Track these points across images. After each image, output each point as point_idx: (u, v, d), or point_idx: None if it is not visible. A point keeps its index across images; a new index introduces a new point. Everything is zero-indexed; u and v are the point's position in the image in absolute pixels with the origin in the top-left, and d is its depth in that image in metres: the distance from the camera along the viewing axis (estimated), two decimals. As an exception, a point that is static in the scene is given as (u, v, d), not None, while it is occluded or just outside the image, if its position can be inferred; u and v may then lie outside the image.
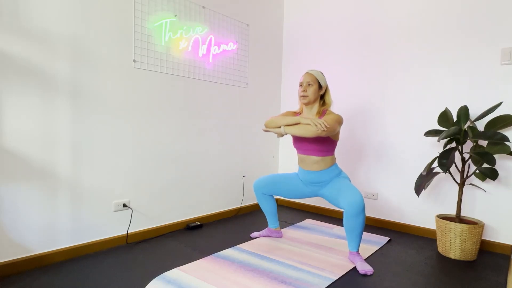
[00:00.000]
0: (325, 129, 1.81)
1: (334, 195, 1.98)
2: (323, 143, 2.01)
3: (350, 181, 2.05)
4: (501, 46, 2.16)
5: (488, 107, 2.20)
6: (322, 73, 2.07)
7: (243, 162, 3.06)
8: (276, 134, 2.04)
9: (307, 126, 1.87)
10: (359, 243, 1.92)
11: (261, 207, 2.35)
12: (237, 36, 2.89)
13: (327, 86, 2.07)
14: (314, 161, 2.04)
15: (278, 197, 3.47)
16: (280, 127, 1.98)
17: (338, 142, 2.95)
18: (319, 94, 2.04)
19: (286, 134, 1.96)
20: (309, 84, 2.01)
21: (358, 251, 1.93)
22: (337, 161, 2.88)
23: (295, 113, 2.15)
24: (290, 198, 2.26)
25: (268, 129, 2.05)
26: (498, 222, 2.21)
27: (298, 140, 2.09)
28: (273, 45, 3.31)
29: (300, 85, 2.05)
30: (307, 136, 1.87)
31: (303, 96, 2.02)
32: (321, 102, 2.07)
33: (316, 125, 1.82)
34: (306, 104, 2.05)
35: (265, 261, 1.92)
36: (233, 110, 2.91)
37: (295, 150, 3.29)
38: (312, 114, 2.06)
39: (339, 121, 1.94)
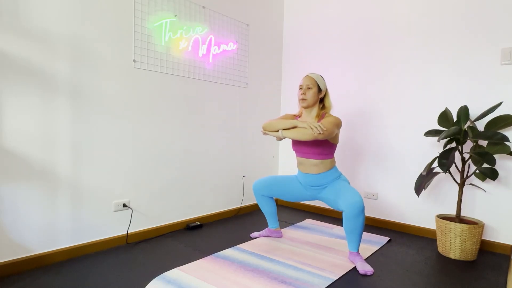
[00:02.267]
0: (322, 132, 1.80)
1: (334, 198, 1.97)
2: (322, 146, 2.00)
3: (349, 183, 2.05)
4: (501, 46, 2.16)
5: (488, 107, 2.20)
6: (322, 77, 2.07)
7: (243, 162, 3.06)
8: (275, 138, 2.04)
9: (303, 129, 1.86)
10: (359, 243, 1.92)
11: (260, 208, 2.34)
12: (237, 36, 2.89)
13: (326, 89, 2.07)
14: (313, 164, 2.03)
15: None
16: (278, 130, 1.97)
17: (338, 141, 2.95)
18: (318, 97, 2.04)
19: (285, 137, 1.96)
20: (309, 88, 2.01)
21: (358, 251, 1.93)
22: (337, 161, 2.89)
23: (295, 116, 2.15)
24: (290, 200, 2.26)
25: (266, 132, 2.05)
26: (498, 222, 2.21)
27: (297, 143, 2.09)
28: (273, 45, 3.31)
29: (300, 88, 2.05)
30: (304, 140, 1.87)
31: (302, 100, 2.02)
32: (321, 106, 2.06)
33: (312, 128, 1.82)
34: (305, 107, 2.05)
35: (265, 261, 1.92)
36: (233, 110, 2.91)
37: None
38: (311, 117, 2.05)
39: (337, 124, 1.92)
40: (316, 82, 2.02)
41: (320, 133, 1.80)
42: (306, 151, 2.04)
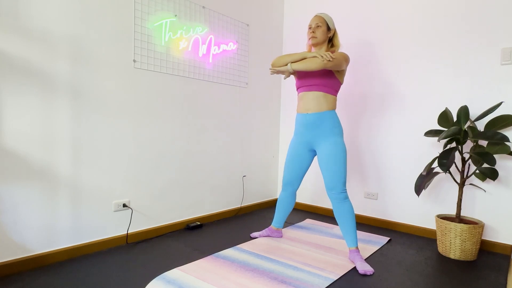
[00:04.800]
0: (331, 60, 1.83)
1: (322, 165, 1.99)
2: (327, 79, 1.99)
3: (342, 137, 2.00)
4: (501, 46, 2.16)
5: (488, 107, 2.20)
6: (330, 17, 2.08)
7: (243, 162, 3.06)
8: (284, 75, 2.04)
9: (313, 58, 1.89)
10: (356, 236, 1.93)
11: (278, 205, 2.31)
12: (237, 36, 2.89)
13: (335, 29, 2.08)
14: (315, 96, 2.00)
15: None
16: (287, 64, 1.99)
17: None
18: (327, 36, 2.05)
19: (293, 70, 1.98)
20: (318, 25, 2.03)
21: (357, 247, 1.93)
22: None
23: None
24: (304, 172, 2.19)
25: (275, 68, 2.06)
26: (498, 222, 2.21)
27: (303, 76, 2.06)
28: (273, 45, 3.31)
29: (309, 27, 2.06)
30: (313, 69, 1.88)
31: (312, 37, 2.04)
32: (329, 45, 2.09)
33: (322, 56, 1.84)
34: (315, 44, 2.06)
35: (265, 261, 1.92)
36: (233, 110, 2.91)
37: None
38: None
39: (346, 58, 1.95)
40: (325, 20, 2.04)
41: (329, 60, 1.83)
42: (311, 83, 2.02)
